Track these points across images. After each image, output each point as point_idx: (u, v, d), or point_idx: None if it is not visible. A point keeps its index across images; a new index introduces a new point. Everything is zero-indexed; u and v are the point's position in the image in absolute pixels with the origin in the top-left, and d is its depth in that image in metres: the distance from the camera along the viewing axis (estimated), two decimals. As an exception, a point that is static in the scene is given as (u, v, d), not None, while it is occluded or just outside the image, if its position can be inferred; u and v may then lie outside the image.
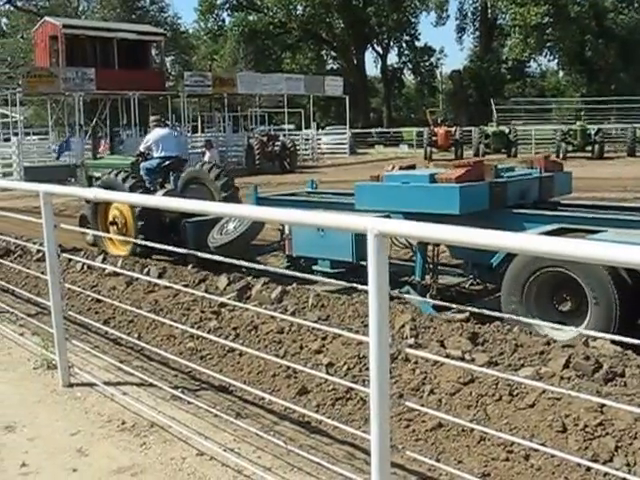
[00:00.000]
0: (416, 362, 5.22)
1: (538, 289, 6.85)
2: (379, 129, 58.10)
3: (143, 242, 7.82)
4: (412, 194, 7.87)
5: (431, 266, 8.53)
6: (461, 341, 5.52)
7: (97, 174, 13.75)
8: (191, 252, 6.21)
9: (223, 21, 71.38)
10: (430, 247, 8.45)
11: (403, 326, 5.98)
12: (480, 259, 7.63)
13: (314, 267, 9.05)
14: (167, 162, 12.92)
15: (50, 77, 34.64)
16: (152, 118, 15.55)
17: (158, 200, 6.45)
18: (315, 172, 32.67)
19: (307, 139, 47.31)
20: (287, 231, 9.41)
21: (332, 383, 5.23)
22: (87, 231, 12.15)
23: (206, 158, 19.75)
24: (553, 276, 6.75)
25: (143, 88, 37.44)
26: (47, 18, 40.16)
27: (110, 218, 12.12)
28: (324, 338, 5.88)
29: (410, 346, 5.32)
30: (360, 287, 4.83)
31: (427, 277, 8.46)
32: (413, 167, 9.53)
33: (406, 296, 7.70)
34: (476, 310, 3.88)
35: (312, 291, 7.21)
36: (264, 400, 5.28)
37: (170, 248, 5.68)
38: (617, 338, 4.03)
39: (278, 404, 5.13)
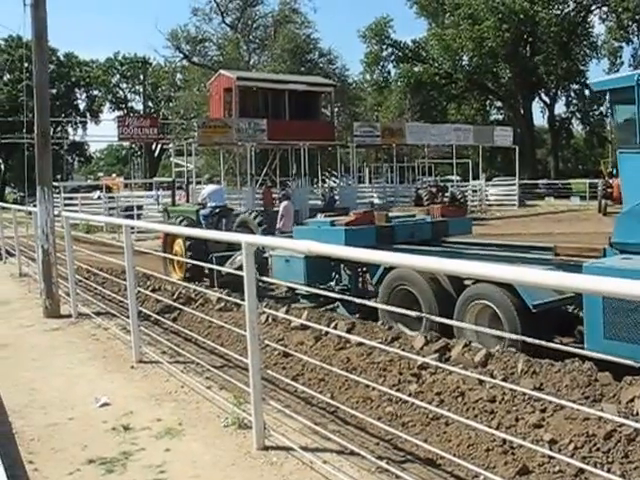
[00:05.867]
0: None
1: (399, 299, 10.00)
2: (546, 180, 56.47)
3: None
4: (321, 234, 11.34)
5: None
6: None
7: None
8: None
9: (388, 72, 72.10)
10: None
11: (632, 400, 5.31)
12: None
13: (297, 291, 12.17)
14: (217, 210, 17.55)
15: (224, 128, 35.59)
16: (206, 176, 22.13)
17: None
18: (484, 224, 31.84)
19: (475, 190, 46.54)
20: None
21: (558, 463, 4.65)
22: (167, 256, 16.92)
23: (280, 209, 19.31)
24: (405, 293, 10.00)
25: (313, 138, 37.84)
26: (222, 71, 41.22)
27: (174, 252, 17.30)
28: (543, 410, 5.30)
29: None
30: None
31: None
32: (338, 215, 13.64)
33: (338, 310, 11.37)
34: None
35: (521, 355, 6.61)
36: (478, 477, 4.76)
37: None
38: None
39: (496, 484, 4.59)
